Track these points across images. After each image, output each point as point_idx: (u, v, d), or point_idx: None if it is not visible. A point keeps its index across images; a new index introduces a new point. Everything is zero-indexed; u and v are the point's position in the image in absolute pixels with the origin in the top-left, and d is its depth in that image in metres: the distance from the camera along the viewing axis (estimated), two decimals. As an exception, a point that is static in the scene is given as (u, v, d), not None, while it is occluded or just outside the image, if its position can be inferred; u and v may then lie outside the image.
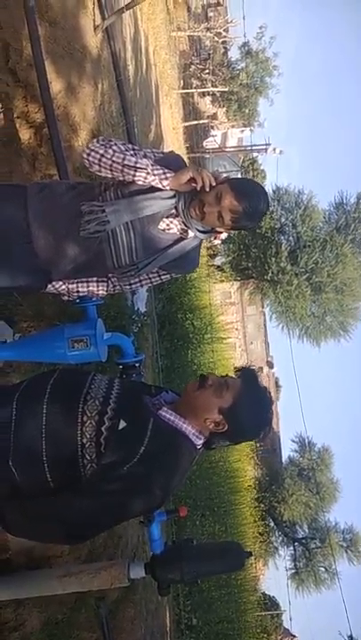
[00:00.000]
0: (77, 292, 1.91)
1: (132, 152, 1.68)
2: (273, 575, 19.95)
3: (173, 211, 1.73)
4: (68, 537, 1.36)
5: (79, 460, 1.32)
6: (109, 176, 1.68)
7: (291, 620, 16.27)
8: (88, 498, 1.28)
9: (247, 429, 1.46)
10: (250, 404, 1.42)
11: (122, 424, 1.33)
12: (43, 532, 1.34)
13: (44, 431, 1.33)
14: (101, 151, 1.64)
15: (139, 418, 1.37)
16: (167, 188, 1.68)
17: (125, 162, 1.63)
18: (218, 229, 1.80)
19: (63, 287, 1.89)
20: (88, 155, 1.67)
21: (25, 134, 2.98)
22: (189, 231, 1.77)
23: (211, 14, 27.05)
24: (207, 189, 1.65)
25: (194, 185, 1.66)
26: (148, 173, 1.64)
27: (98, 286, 1.93)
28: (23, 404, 1.39)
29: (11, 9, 2.87)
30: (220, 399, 1.40)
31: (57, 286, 1.88)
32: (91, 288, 1.92)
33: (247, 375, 1.48)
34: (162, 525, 1.85)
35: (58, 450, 1.32)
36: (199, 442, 1.43)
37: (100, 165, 1.66)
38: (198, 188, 1.65)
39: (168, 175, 1.67)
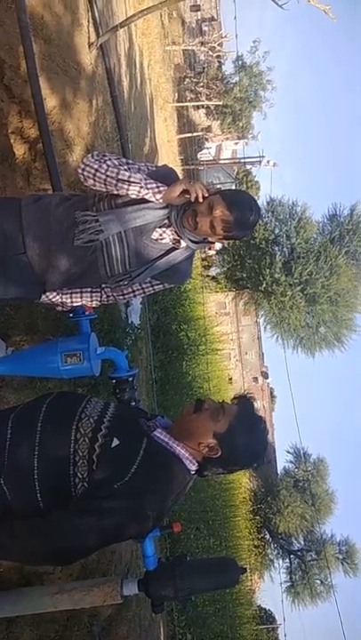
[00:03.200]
0: (71, 302, 1.92)
1: (125, 167, 1.71)
2: (268, 588, 19.79)
3: (166, 221, 1.75)
4: (55, 557, 1.31)
5: (70, 479, 1.30)
6: (103, 190, 1.71)
7: (286, 636, 16.11)
8: (76, 516, 1.25)
9: (241, 457, 1.44)
10: (245, 432, 1.40)
11: (115, 442, 1.31)
12: (29, 553, 1.30)
13: (36, 449, 1.31)
14: (96, 166, 1.67)
15: (132, 437, 1.36)
16: (160, 201, 1.70)
17: (119, 176, 1.65)
18: (210, 240, 1.82)
19: (57, 298, 1.89)
20: (83, 169, 1.69)
21: (19, 149, 3.00)
22: (182, 241, 1.79)
23: (205, 29, 27.47)
24: (200, 200, 1.68)
25: (187, 197, 1.68)
26: (141, 187, 1.67)
27: (92, 297, 1.94)
28: (18, 423, 1.38)
29: (6, 26, 2.91)
30: (215, 423, 1.38)
31: (51, 297, 1.89)
32: (84, 299, 1.93)
33: (244, 403, 1.46)
34: (155, 541, 1.84)
35: (50, 467, 1.30)
36: (193, 467, 1.41)
37: (94, 180, 1.68)
38: (192, 200, 1.68)
39: (161, 189, 1.69)
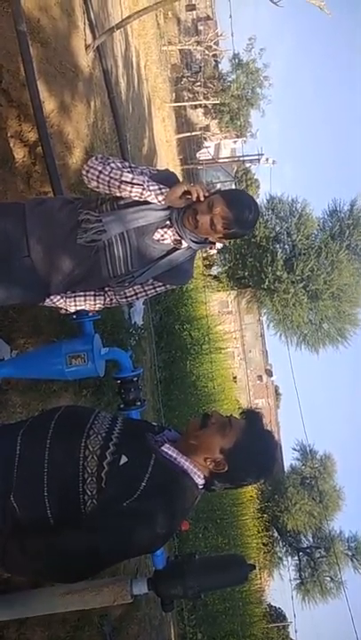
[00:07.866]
0: (75, 306, 1.93)
1: (128, 169, 1.74)
2: (278, 586, 19.75)
3: (167, 222, 1.78)
4: (66, 575, 1.32)
5: (80, 496, 1.30)
6: (107, 192, 1.74)
7: (296, 632, 16.07)
8: (87, 534, 1.26)
9: (248, 472, 1.43)
10: (252, 447, 1.39)
11: (123, 459, 1.31)
12: (41, 569, 1.31)
13: (46, 466, 1.32)
14: (100, 168, 1.71)
15: (140, 454, 1.35)
16: (162, 203, 1.73)
17: (122, 178, 1.69)
18: (211, 240, 1.84)
19: (61, 301, 1.91)
20: (87, 171, 1.73)
21: (19, 153, 3.02)
22: (183, 242, 1.81)
23: (201, 28, 27.46)
24: (201, 200, 1.72)
25: (188, 197, 1.72)
26: (144, 189, 1.70)
27: (95, 300, 1.95)
28: (27, 440, 1.38)
29: (3, 30, 2.92)
30: (222, 439, 1.38)
31: (54, 300, 1.90)
32: (88, 302, 1.95)
33: (252, 417, 1.46)
34: (163, 540, 1.85)
35: (59, 484, 1.31)
36: (201, 481, 1.41)
37: (97, 181, 1.72)
38: (194, 199, 1.71)
39: (163, 191, 1.73)
